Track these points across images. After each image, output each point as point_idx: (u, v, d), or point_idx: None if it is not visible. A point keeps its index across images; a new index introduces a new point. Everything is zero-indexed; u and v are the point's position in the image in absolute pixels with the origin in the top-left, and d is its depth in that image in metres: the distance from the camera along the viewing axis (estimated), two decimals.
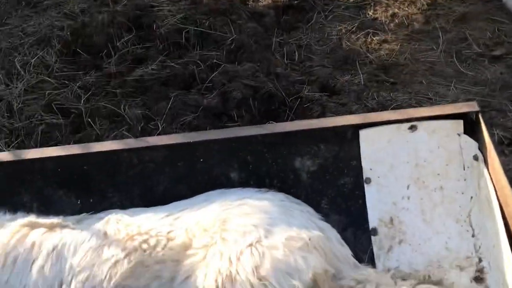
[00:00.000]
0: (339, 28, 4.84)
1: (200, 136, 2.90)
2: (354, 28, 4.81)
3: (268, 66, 4.39)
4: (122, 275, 2.44)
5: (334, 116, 3.19)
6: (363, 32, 4.76)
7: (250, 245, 2.36)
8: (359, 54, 4.55)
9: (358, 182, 2.88)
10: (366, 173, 2.87)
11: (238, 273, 2.30)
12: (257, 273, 2.29)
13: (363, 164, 2.87)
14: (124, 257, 2.46)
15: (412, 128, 2.82)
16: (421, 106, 3.90)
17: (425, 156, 2.84)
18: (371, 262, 2.78)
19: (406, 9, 4.99)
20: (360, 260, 2.73)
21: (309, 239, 2.41)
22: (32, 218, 2.73)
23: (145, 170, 2.96)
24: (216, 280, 2.30)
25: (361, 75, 4.29)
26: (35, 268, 2.52)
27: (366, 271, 2.56)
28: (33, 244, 2.59)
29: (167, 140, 2.91)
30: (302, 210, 2.64)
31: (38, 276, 2.49)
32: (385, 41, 4.67)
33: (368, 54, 4.52)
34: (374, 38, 4.70)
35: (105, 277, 2.45)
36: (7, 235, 2.63)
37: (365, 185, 2.87)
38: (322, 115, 3.92)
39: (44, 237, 2.61)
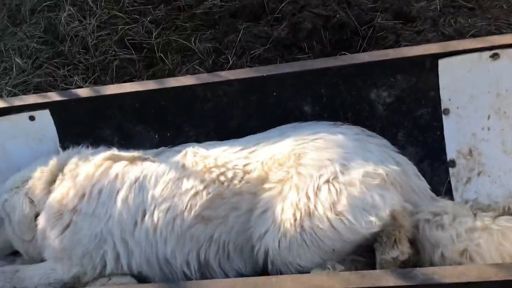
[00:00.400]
0: None
1: (273, 69, 2.89)
2: None
3: None
4: (201, 206, 2.52)
5: (411, 46, 3.07)
6: None
7: (327, 181, 2.36)
8: None
9: (436, 113, 2.81)
10: (444, 104, 2.79)
11: (316, 208, 2.32)
12: (334, 209, 2.30)
13: (442, 94, 2.79)
14: (203, 189, 2.54)
15: (494, 56, 2.69)
16: (501, 33, 3.69)
17: (507, 86, 2.72)
18: (449, 194, 2.76)
19: None
20: (437, 192, 2.70)
21: (386, 175, 2.38)
22: (114, 151, 2.84)
23: (219, 104, 2.99)
24: (294, 214, 2.34)
25: (437, 1, 4.08)
26: (119, 198, 2.63)
27: (443, 203, 2.53)
28: (116, 176, 2.70)
29: (240, 74, 2.91)
30: (378, 144, 2.60)
31: (123, 206, 2.61)
32: None
33: None
34: None
35: (186, 207, 2.54)
36: (91, 168, 2.75)
37: (443, 116, 2.80)
38: (397, 44, 3.79)
39: (126, 170, 2.72)
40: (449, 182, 2.79)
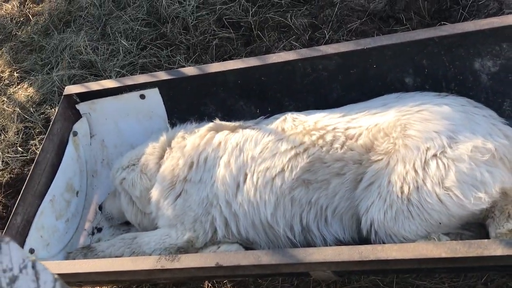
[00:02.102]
0: None
1: (373, 42, 2.88)
2: None
3: None
4: (302, 168, 2.56)
5: None
6: None
7: (435, 155, 2.33)
8: None
9: None
10: None
11: (424, 183, 2.31)
12: (443, 184, 2.28)
13: None
14: (303, 151, 2.58)
15: None
16: None
17: None
18: None
19: None
20: None
21: (495, 150, 2.32)
22: (216, 121, 2.97)
23: (318, 78, 3.04)
24: (401, 188, 2.34)
25: None
26: (222, 163, 2.76)
27: None
28: (219, 144, 2.84)
29: (340, 48, 2.93)
30: (485, 115, 2.52)
31: (225, 170, 2.74)
32: None
33: None
34: None
35: (286, 168, 2.59)
36: (197, 139, 2.91)
37: None
38: (500, 12, 3.63)
39: (228, 137, 2.85)
40: None
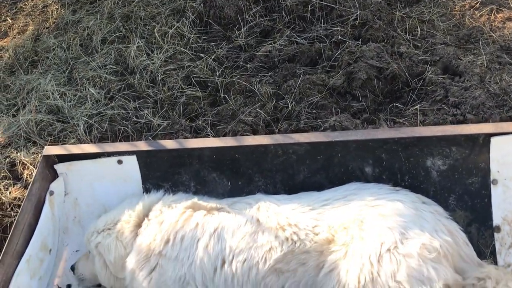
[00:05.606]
0: (463, 3, 4.86)
1: (340, 135, 3.22)
2: (478, 4, 4.83)
3: (392, 45, 4.53)
4: (275, 260, 2.87)
5: (468, 124, 3.31)
6: (487, 8, 4.78)
7: (388, 250, 2.67)
8: (482, 33, 4.59)
9: (485, 183, 3.14)
10: (493, 175, 3.12)
11: (379, 275, 2.64)
12: (395, 278, 2.62)
13: (492, 166, 3.12)
14: (278, 245, 2.89)
15: None
16: None
17: None
18: (493, 256, 3.09)
19: None
20: (482, 253, 3.05)
21: (440, 247, 2.68)
22: (194, 200, 3.20)
23: (288, 161, 3.35)
24: (358, 277, 2.67)
25: (484, 56, 4.33)
26: (201, 246, 3.00)
27: (487, 269, 2.85)
28: (197, 225, 3.07)
29: (311, 137, 3.25)
30: (431, 211, 2.89)
31: (204, 253, 2.98)
32: (509, 18, 4.67)
33: (492, 33, 4.55)
34: (497, 15, 4.71)
35: (261, 259, 2.89)
36: (175, 216, 3.13)
37: (492, 186, 3.13)
38: (446, 98, 4.04)
39: (206, 219, 3.09)
40: (494, 246, 3.11)
